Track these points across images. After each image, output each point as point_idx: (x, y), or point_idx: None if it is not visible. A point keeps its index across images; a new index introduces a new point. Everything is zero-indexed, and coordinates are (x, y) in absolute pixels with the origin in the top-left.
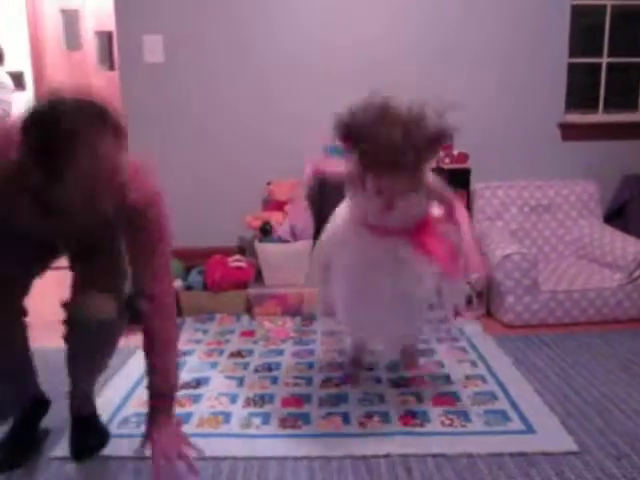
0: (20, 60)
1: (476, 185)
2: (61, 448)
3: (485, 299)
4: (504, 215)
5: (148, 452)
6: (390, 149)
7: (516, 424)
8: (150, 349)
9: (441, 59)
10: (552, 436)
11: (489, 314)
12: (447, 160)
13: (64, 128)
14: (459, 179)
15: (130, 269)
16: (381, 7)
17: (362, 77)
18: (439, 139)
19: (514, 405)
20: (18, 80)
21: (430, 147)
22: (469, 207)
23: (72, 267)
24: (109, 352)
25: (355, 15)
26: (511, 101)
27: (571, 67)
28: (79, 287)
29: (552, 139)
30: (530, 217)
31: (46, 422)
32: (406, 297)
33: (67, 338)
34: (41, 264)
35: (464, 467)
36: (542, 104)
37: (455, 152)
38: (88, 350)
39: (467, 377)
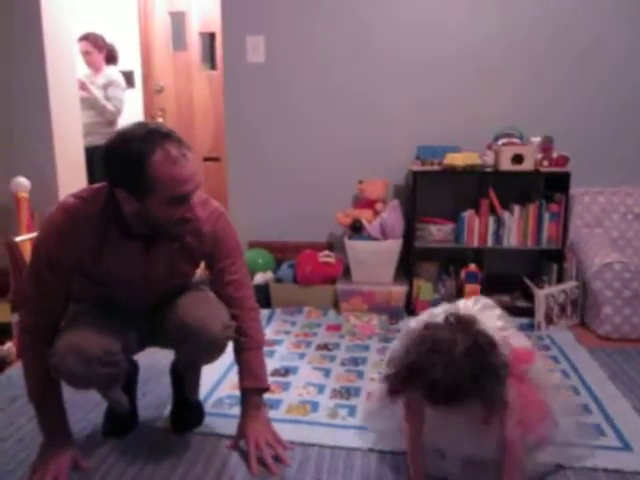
0: (131, 60)
1: (575, 190)
2: (163, 421)
3: (579, 308)
4: (604, 222)
5: (242, 443)
6: (442, 381)
7: (611, 440)
8: (241, 349)
9: (543, 53)
10: None
11: (582, 324)
12: (545, 163)
13: (136, 143)
14: (557, 183)
15: (215, 286)
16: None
17: (462, 89)
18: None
19: (609, 420)
20: (128, 79)
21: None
22: (567, 213)
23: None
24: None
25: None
26: (618, 101)
27: None
28: (184, 311)
29: None
30: (633, 225)
31: (151, 397)
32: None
33: (185, 351)
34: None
35: (555, 478)
36: None
37: (554, 154)
38: (205, 362)
39: (558, 387)
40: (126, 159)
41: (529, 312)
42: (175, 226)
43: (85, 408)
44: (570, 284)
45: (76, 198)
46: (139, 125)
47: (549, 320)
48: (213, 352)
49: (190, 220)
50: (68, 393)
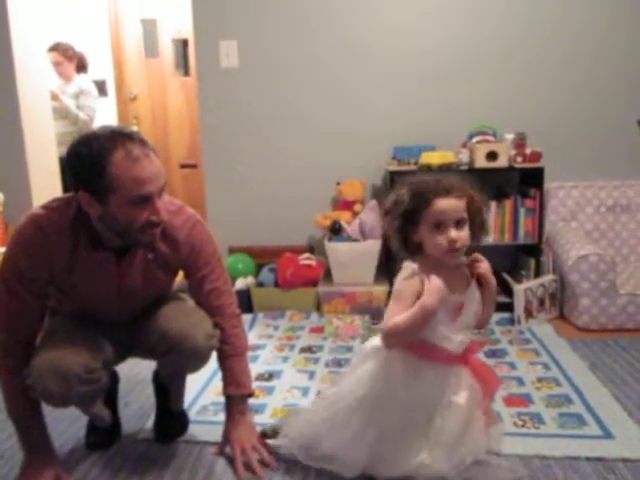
0: (103, 69)
1: (550, 185)
2: (146, 431)
3: (558, 301)
4: (579, 216)
5: (228, 449)
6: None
7: (593, 429)
8: (224, 356)
9: (514, 52)
10: (632, 443)
11: (562, 316)
12: (519, 159)
13: (97, 143)
14: (532, 179)
15: (195, 295)
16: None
17: (435, 88)
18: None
19: (590, 410)
20: (101, 87)
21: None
22: (542, 207)
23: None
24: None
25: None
26: (589, 97)
27: None
28: (166, 322)
29: (632, 137)
30: (606, 217)
31: (134, 408)
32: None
33: (167, 362)
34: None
35: (538, 469)
36: (622, 101)
37: (528, 150)
38: (189, 372)
39: (540, 379)
40: (86, 158)
41: (509, 307)
42: (142, 231)
43: (67, 421)
44: (548, 277)
45: (45, 209)
46: (102, 127)
47: (529, 314)
48: (196, 362)
49: (157, 224)
50: (49, 407)
